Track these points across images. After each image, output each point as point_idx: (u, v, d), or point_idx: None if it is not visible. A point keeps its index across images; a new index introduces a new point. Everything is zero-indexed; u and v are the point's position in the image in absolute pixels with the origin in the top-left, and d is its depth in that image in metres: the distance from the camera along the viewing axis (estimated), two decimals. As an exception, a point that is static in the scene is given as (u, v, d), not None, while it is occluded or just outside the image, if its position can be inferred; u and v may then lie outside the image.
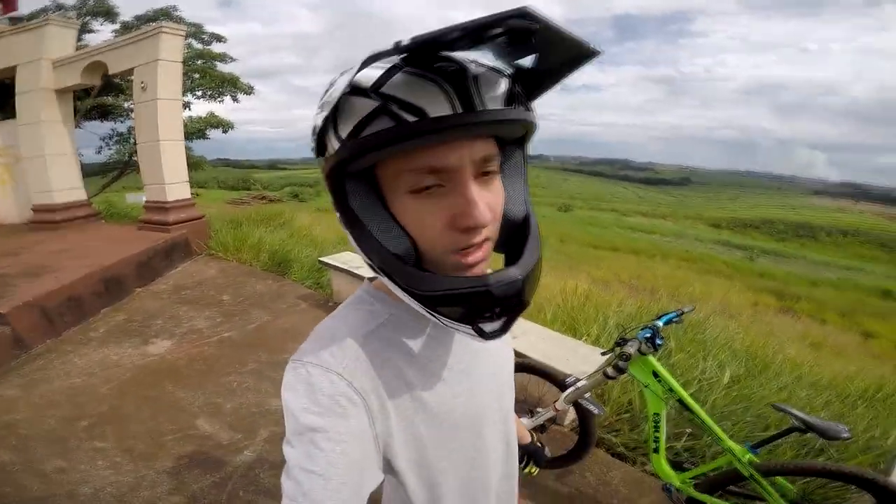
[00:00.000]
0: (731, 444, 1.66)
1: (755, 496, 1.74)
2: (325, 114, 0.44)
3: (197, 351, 3.31)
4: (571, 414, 2.36)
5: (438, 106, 0.41)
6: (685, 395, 1.72)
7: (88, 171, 8.85)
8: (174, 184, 6.10)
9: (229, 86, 11.13)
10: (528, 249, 0.50)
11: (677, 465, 1.87)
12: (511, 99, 0.45)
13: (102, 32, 10.40)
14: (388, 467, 0.55)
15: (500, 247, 0.53)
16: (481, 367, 0.64)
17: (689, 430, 2.25)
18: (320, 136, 0.47)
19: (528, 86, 0.47)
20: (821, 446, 2.16)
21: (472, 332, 0.48)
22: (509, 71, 0.46)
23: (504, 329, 0.48)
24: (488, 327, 0.48)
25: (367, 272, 3.48)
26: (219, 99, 11.20)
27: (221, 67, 11.20)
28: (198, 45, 10.90)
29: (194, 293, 4.50)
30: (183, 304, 4.19)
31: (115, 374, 3.01)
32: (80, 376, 2.97)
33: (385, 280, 0.49)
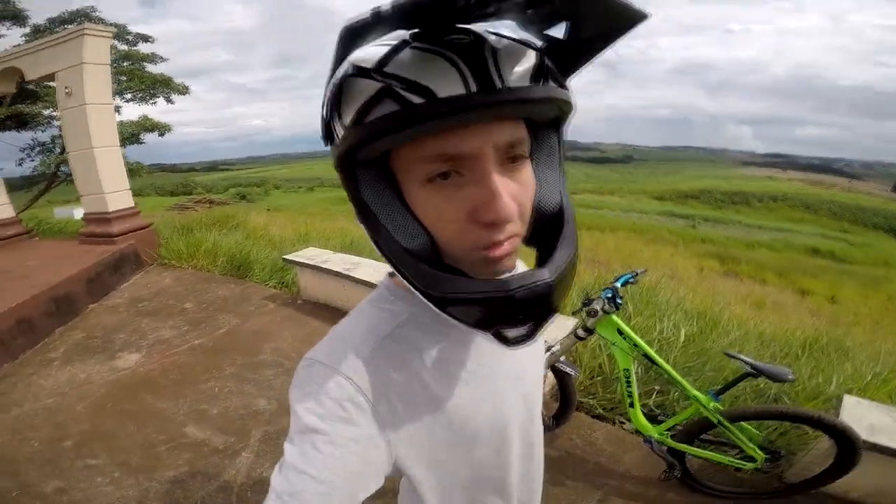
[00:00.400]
0: (695, 392, 1.81)
1: (728, 443, 1.90)
2: (328, 99, 0.40)
3: (169, 361, 3.21)
4: (549, 381, 2.48)
5: (449, 84, 0.36)
6: (648, 349, 1.86)
7: (9, 186, 8.20)
8: (115, 192, 5.75)
9: (162, 87, 10.55)
10: (560, 247, 0.44)
11: (652, 419, 2.02)
12: (539, 74, 0.39)
13: (10, 37, 9.59)
14: (402, 471, 0.54)
15: (530, 241, 0.48)
16: (507, 369, 0.60)
17: (657, 388, 2.42)
18: (327, 123, 0.43)
19: (562, 61, 0.42)
20: (776, 395, 2.36)
21: (492, 338, 0.44)
22: (539, 44, 0.41)
23: (530, 335, 0.44)
24: (512, 333, 0.44)
25: (336, 266, 3.47)
26: (151, 101, 10.59)
27: (151, 68, 10.60)
28: (122, 47, 10.25)
29: (153, 304, 4.31)
30: (143, 316, 4.02)
31: (87, 391, 2.89)
32: (51, 397, 2.84)
33: (401, 278, 0.45)
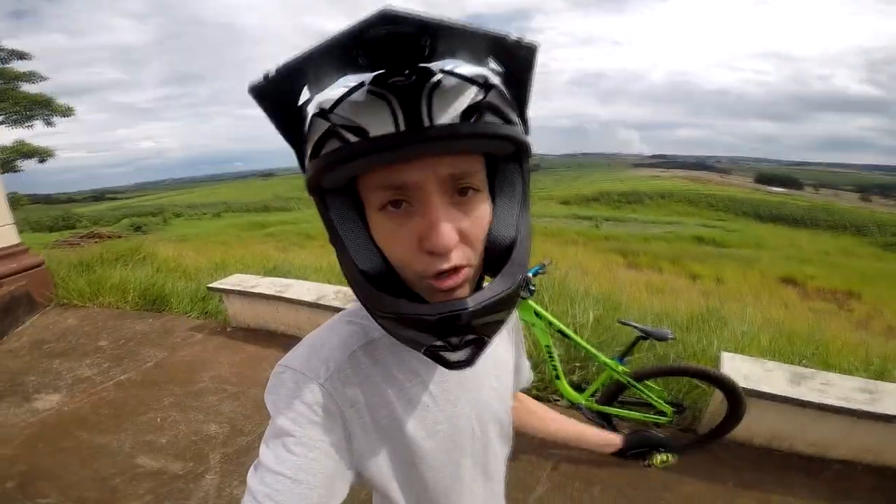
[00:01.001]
0: (604, 359, 2.14)
1: (642, 402, 2.24)
2: (304, 134, 0.45)
3: (97, 398, 3.03)
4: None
5: (382, 124, 0.39)
6: (561, 325, 2.18)
7: None
8: (-4, 229, 5.17)
9: (41, 108, 9.53)
10: (497, 280, 0.45)
11: (578, 388, 2.32)
12: (473, 111, 0.41)
13: None
14: (366, 479, 0.56)
15: (488, 272, 0.49)
16: (468, 398, 0.62)
17: (578, 364, 2.75)
18: (300, 154, 0.47)
19: (515, 92, 0.45)
20: (673, 359, 2.76)
21: (432, 360, 0.47)
22: (492, 79, 0.44)
23: (470, 361, 0.46)
24: (452, 356, 0.46)
25: (267, 289, 3.48)
26: (27, 124, 9.52)
27: (28, 87, 9.54)
28: (-9, 65, 9.18)
29: (61, 345, 3.96)
30: (52, 358, 3.69)
31: (10, 433, 2.68)
32: (-30, 444, 2.58)
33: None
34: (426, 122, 0.39)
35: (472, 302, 0.42)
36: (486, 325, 0.44)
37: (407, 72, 0.40)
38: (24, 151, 9.46)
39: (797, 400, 2.09)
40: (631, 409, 2.27)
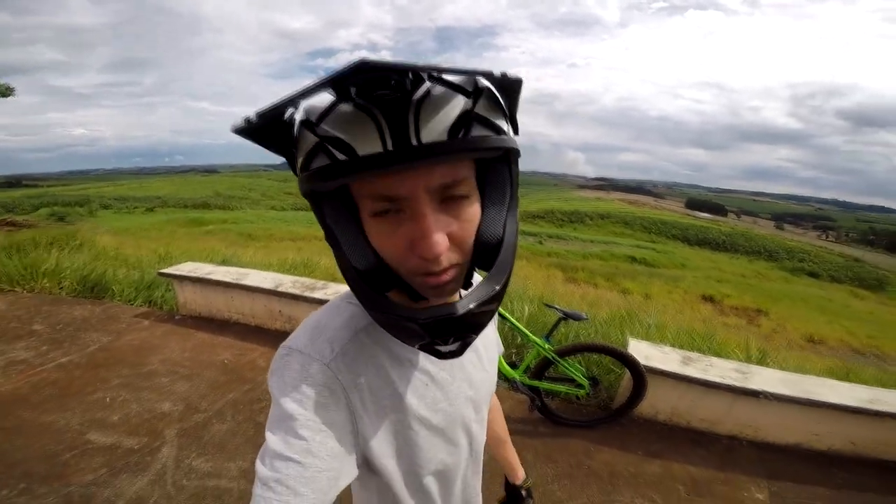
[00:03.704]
0: (534, 338, 2.48)
1: (565, 378, 2.59)
2: (294, 139, 0.45)
3: (37, 379, 2.98)
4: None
5: (369, 143, 0.39)
6: (501, 310, 2.49)
7: None
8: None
9: None
10: (484, 282, 0.47)
11: (513, 366, 2.64)
12: (461, 124, 0.41)
13: None
14: (365, 463, 0.56)
15: (481, 266, 0.50)
16: (461, 377, 0.65)
17: (514, 351, 3.13)
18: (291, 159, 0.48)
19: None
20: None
21: (425, 352, 0.49)
22: (482, 83, 0.43)
23: (460, 351, 0.49)
24: (443, 348, 0.48)
25: (224, 276, 3.56)
26: (-44, 101, 8.85)
27: None
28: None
29: (-11, 329, 3.80)
30: (-20, 341, 3.54)
31: None
32: None
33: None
34: (413, 141, 0.39)
35: (462, 308, 0.45)
36: (474, 323, 0.47)
37: (393, 83, 0.38)
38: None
39: (685, 376, 2.52)
40: (556, 384, 2.62)
